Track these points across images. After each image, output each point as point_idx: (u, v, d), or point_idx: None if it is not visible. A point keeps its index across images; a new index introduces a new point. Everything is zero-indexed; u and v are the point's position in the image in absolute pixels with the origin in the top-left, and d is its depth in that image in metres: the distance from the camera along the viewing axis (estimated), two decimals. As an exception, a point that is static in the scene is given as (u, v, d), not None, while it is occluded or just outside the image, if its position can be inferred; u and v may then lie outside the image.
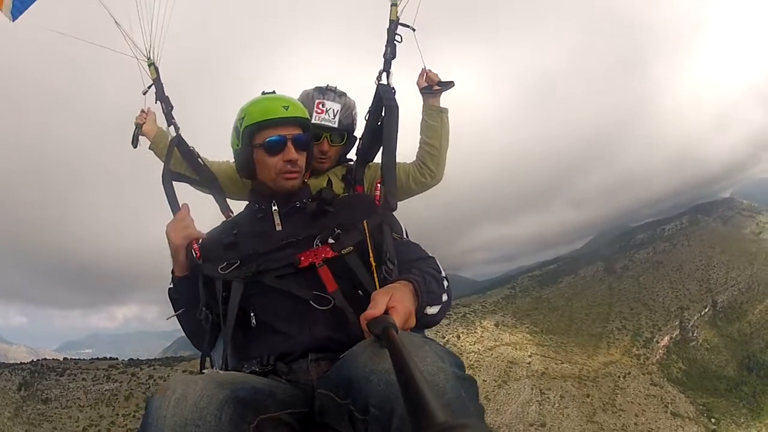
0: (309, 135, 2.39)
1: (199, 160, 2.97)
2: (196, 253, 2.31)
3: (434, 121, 3.07)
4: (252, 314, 2.14)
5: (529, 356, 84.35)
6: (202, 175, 2.96)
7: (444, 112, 3.09)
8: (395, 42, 2.84)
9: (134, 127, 3.29)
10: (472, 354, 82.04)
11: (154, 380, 75.98)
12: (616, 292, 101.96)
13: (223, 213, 2.95)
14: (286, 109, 2.28)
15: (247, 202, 2.61)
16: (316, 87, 3.09)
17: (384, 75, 2.83)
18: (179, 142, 2.95)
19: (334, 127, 3.04)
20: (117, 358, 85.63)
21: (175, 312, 2.37)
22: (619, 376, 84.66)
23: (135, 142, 3.27)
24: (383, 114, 2.63)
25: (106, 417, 71.70)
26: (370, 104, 2.89)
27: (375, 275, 2.06)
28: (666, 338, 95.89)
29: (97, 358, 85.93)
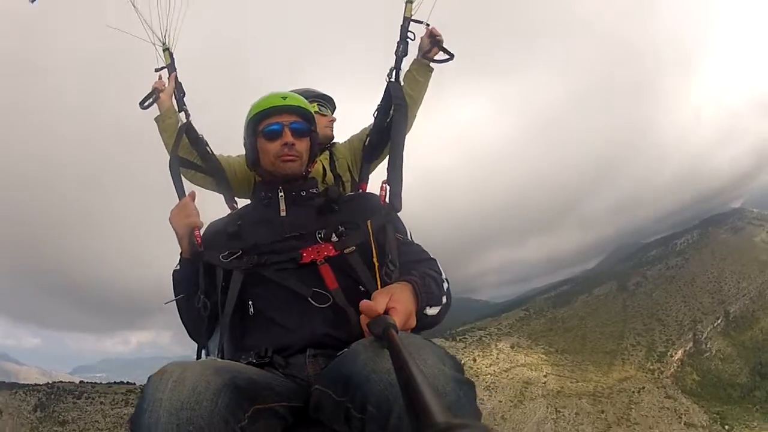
0: (310, 125, 2.47)
1: (207, 148, 2.98)
2: (197, 240, 2.32)
3: (422, 77, 3.07)
4: (250, 303, 2.16)
5: (545, 376, 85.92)
6: (209, 163, 2.99)
7: (432, 70, 3.08)
8: (408, 39, 2.84)
9: (150, 90, 3.19)
10: (488, 376, 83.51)
11: None
12: (629, 309, 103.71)
13: (228, 204, 3.04)
14: (284, 99, 2.41)
15: (248, 201, 2.77)
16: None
17: (395, 72, 2.86)
18: (189, 128, 2.93)
19: None
20: (134, 383, 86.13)
21: (177, 296, 2.35)
22: (633, 391, 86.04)
23: (146, 104, 3.15)
24: (392, 112, 2.65)
25: None
26: (380, 101, 2.89)
27: (377, 275, 2.06)
28: (680, 351, 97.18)
29: (114, 383, 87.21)
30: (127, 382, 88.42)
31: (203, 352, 2.35)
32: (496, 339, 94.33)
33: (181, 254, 2.38)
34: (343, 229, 2.22)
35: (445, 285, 2.10)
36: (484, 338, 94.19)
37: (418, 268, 2.07)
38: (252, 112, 2.46)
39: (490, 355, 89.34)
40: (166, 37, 3.29)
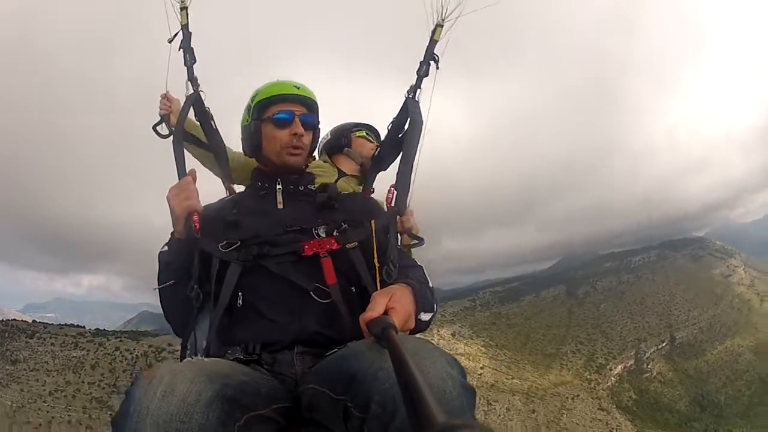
0: (316, 118, 2.46)
1: (213, 122, 2.86)
2: (195, 225, 2.15)
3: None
4: (240, 295, 2.05)
5: (481, 368, 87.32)
6: (212, 139, 2.88)
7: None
8: (431, 62, 2.86)
9: (159, 118, 3.09)
10: None
11: (120, 352, 78.66)
12: (575, 316, 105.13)
13: (224, 184, 2.96)
14: (297, 89, 2.37)
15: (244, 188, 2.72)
16: None
17: (414, 90, 2.86)
18: (196, 99, 2.79)
19: None
20: (84, 326, 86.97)
21: (165, 282, 2.17)
22: (567, 397, 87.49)
23: (159, 132, 3.05)
24: (407, 127, 2.66)
25: (72, 383, 73.69)
26: (395, 115, 2.91)
27: (378, 275, 2.02)
28: (620, 367, 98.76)
29: (66, 324, 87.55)
30: (78, 325, 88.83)
31: (188, 346, 2.21)
32: (439, 325, 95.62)
33: (172, 235, 2.21)
34: (345, 225, 2.15)
35: (434, 292, 2.08)
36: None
37: (410, 273, 2.06)
38: (261, 95, 2.36)
39: (431, 339, 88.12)
40: None
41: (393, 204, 2.30)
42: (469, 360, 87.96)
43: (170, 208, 2.20)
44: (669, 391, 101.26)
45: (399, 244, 2.74)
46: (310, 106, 2.39)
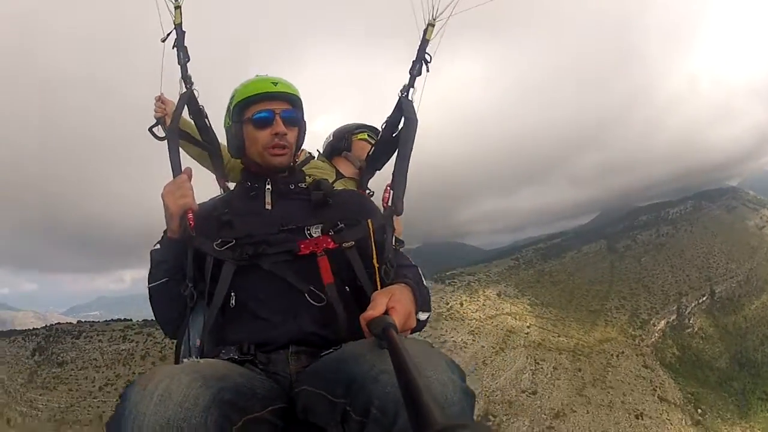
0: (299, 113, 2.38)
1: (207, 121, 2.82)
2: (190, 223, 2.18)
3: None
4: (232, 295, 2.06)
5: (528, 327, 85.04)
6: (206, 138, 2.85)
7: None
8: (423, 61, 2.83)
9: (155, 120, 3.16)
10: (474, 321, 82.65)
11: (171, 340, 75.29)
12: (617, 271, 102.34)
13: (218, 182, 3.00)
14: (275, 85, 2.29)
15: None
16: None
17: (408, 89, 2.80)
18: (190, 98, 2.75)
19: None
20: (131, 319, 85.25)
21: (156, 280, 2.20)
22: (612, 354, 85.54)
23: (158, 133, 3.07)
24: (402, 126, 2.64)
25: (123, 376, 71.72)
26: (389, 115, 2.89)
27: (377, 274, 2.05)
28: (663, 322, 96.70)
29: (111, 320, 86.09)
30: (124, 319, 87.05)
31: (182, 346, 2.26)
32: (484, 285, 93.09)
33: (165, 233, 2.25)
34: (342, 224, 2.18)
35: (429, 292, 2.14)
36: (472, 284, 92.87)
37: (408, 272, 2.11)
38: (239, 96, 2.34)
39: (477, 300, 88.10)
40: None
41: (389, 203, 2.27)
42: (516, 319, 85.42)
43: (165, 206, 2.19)
44: (710, 347, 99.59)
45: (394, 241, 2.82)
46: (291, 101, 2.34)
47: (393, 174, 2.35)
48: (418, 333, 1.93)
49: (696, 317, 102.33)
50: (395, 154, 2.50)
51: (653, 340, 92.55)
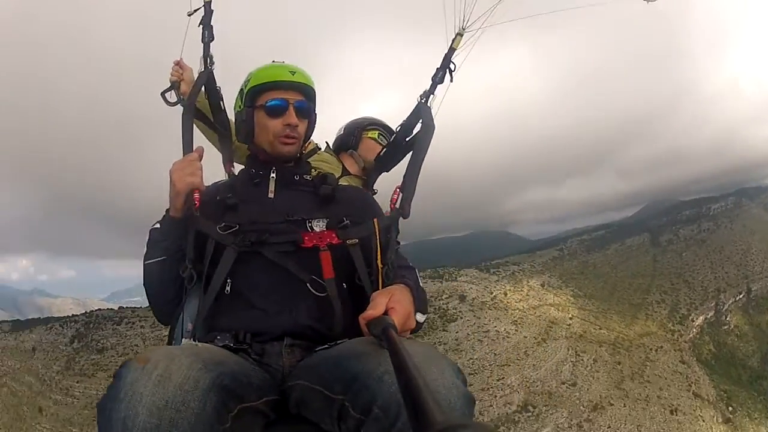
0: (312, 105, 2.34)
1: (222, 102, 2.80)
2: (195, 203, 2.13)
3: None
4: (228, 281, 2.02)
5: (570, 318, 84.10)
6: (218, 120, 2.85)
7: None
8: (447, 69, 2.84)
9: (168, 85, 3.07)
10: (517, 311, 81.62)
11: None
12: (659, 265, 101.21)
13: (225, 165, 2.94)
14: (293, 74, 2.26)
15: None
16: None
17: (427, 95, 2.83)
18: (209, 77, 2.75)
19: None
20: None
21: (153, 258, 2.14)
22: (651, 349, 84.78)
23: (167, 99, 3.00)
24: (417, 132, 2.71)
25: None
26: (405, 118, 2.93)
27: (380, 275, 2.04)
28: (701, 318, 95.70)
29: None
30: None
31: (174, 330, 2.22)
32: (529, 275, 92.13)
33: (167, 212, 2.21)
34: (347, 221, 2.17)
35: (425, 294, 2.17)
36: (517, 273, 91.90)
37: (406, 273, 2.10)
38: (254, 81, 2.30)
39: (521, 290, 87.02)
40: None
41: (397, 206, 2.29)
42: (559, 310, 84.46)
43: (171, 183, 2.14)
44: (744, 345, 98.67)
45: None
46: (305, 92, 2.31)
47: (404, 177, 2.35)
48: (414, 335, 1.90)
49: (732, 314, 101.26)
50: (406, 157, 2.58)
51: (691, 335, 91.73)
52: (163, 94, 3.02)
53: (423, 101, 2.81)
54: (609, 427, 71.40)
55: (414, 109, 2.83)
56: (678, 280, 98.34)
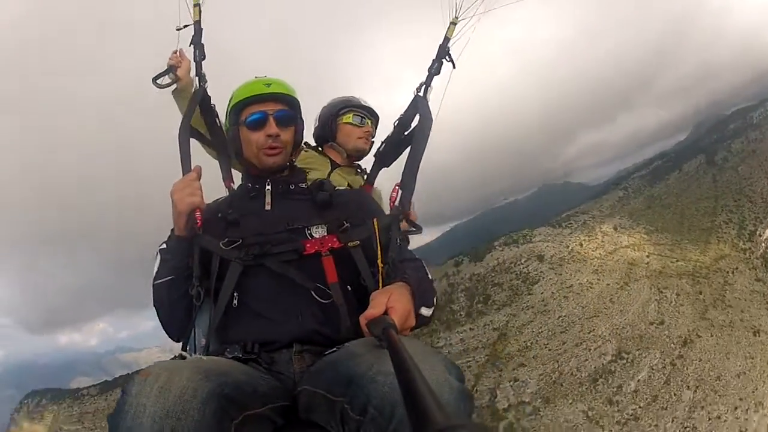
0: (294, 112, 2.36)
1: (217, 120, 2.84)
2: (197, 222, 2.17)
3: None
4: (235, 295, 2.06)
5: (647, 256, 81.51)
6: (215, 136, 2.86)
7: None
8: (443, 60, 2.81)
9: (166, 68, 3.06)
10: (595, 260, 79.00)
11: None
12: (719, 184, 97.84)
13: (224, 181, 2.93)
14: (268, 86, 2.30)
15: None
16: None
17: (424, 88, 2.82)
18: (204, 96, 2.79)
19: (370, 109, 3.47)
20: None
21: (162, 278, 2.16)
22: (727, 272, 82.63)
23: (160, 82, 3.02)
24: (417, 124, 2.68)
25: None
26: (402, 112, 2.92)
27: (381, 274, 2.07)
28: (767, 231, 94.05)
29: None
30: None
31: (187, 346, 2.26)
32: (599, 222, 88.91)
33: (172, 231, 2.25)
34: (347, 224, 2.20)
35: (435, 284, 2.18)
36: (588, 222, 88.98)
37: (409, 267, 2.11)
38: (234, 99, 2.38)
39: (595, 238, 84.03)
40: None
41: (397, 203, 2.35)
42: (635, 250, 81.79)
43: (173, 204, 2.18)
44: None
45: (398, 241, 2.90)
46: (285, 101, 2.35)
47: (403, 174, 2.39)
48: (415, 331, 1.92)
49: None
50: (406, 152, 2.56)
51: (762, 250, 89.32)
52: (155, 78, 2.99)
53: (420, 94, 2.77)
54: (700, 360, 70.07)
55: (411, 103, 2.80)
56: (740, 196, 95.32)
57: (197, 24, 2.96)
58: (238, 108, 2.32)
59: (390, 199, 2.41)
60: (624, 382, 67.60)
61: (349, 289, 2.11)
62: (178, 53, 3.12)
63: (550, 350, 72.48)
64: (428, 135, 2.49)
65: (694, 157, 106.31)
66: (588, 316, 73.76)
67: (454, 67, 2.78)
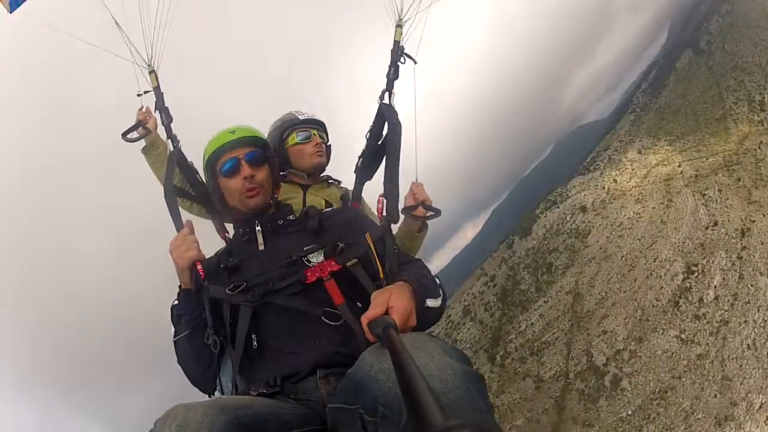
0: (264, 152, 2.49)
1: (198, 176, 2.90)
2: (201, 275, 2.26)
3: (411, 242, 3.12)
4: (253, 337, 2.12)
5: (678, 166, 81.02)
6: (199, 191, 2.92)
7: (424, 229, 3.13)
8: (399, 63, 2.80)
9: (135, 122, 3.17)
10: (633, 189, 78.76)
11: None
12: (714, 69, 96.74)
13: (219, 233, 2.94)
14: (233, 133, 2.42)
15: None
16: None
17: (386, 95, 2.80)
18: (180, 156, 2.87)
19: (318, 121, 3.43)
20: None
21: (180, 334, 2.24)
22: (755, 149, 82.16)
23: (130, 137, 3.09)
24: (386, 133, 2.66)
25: None
26: (371, 124, 2.89)
27: (384, 284, 2.06)
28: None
29: None
30: None
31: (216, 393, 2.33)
32: (622, 152, 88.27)
33: (180, 287, 2.35)
34: (342, 244, 2.25)
35: (437, 280, 2.20)
36: (612, 156, 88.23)
37: (408, 268, 2.19)
38: (206, 155, 2.49)
39: (626, 169, 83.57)
40: (152, 58, 3.13)
41: (385, 213, 2.35)
42: (666, 165, 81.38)
43: (174, 261, 2.29)
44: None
45: (416, 218, 3.01)
46: (252, 143, 2.47)
47: (384, 183, 2.41)
48: (422, 328, 1.95)
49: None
50: (383, 161, 2.57)
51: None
52: (125, 134, 3.08)
53: (383, 101, 2.77)
54: (762, 243, 69.98)
55: (377, 112, 2.79)
56: (737, 72, 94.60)
57: (157, 90, 3.04)
58: (211, 162, 2.44)
59: (377, 211, 2.43)
60: (702, 293, 67.84)
61: (359, 305, 2.14)
62: (144, 109, 3.22)
63: (625, 292, 72.42)
64: (400, 141, 2.47)
65: (682, 53, 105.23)
66: (647, 246, 73.77)
67: (415, 62, 2.76)
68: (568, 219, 78.18)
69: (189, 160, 2.91)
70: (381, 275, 2.12)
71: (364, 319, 1.67)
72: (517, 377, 72.67)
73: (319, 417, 1.79)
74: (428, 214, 2.90)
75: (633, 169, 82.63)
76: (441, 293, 2.09)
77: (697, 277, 70.36)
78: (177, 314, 2.26)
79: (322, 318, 2.06)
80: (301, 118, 3.37)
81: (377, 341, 1.56)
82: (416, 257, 2.37)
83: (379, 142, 2.86)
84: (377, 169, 3.00)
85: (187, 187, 2.96)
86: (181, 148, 2.91)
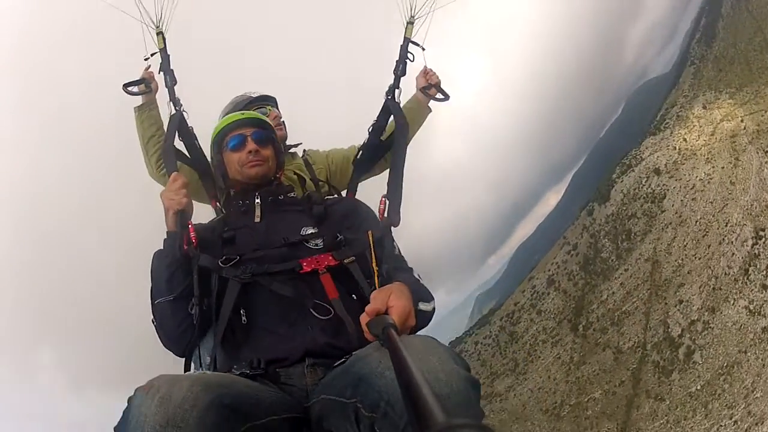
0: (270, 133, 2.52)
1: (196, 142, 2.91)
2: (193, 242, 2.20)
3: (420, 116, 3.23)
4: (242, 312, 2.08)
5: (741, 121, 75.99)
6: (195, 157, 2.92)
7: (430, 111, 3.25)
8: (407, 60, 2.84)
9: (140, 77, 3.08)
10: (702, 148, 74.07)
11: None
12: (755, 12, 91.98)
13: (211, 204, 2.91)
14: (243, 114, 2.55)
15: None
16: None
17: (394, 92, 2.84)
18: (180, 119, 2.85)
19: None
20: None
21: (162, 296, 2.15)
22: None
23: (131, 89, 3.04)
24: (394, 131, 2.68)
25: None
26: (375, 119, 2.89)
27: (376, 282, 2.09)
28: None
29: None
30: None
31: (192, 364, 2.26)
32: (688, 108, 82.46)
33: (167, 233, 2.29)
34: (341, 237, 2.25)
35: (426, 288, 2.22)
36: (680, 113, 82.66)
37: (401, 274, 2.16)
38: (215, 132, 2.56)
39: (693, 127, 78.35)
40: (160, 20, 3.09)
41: (386, 215, 2.36)
42: (730, 120, 76.44)
43: (163, 204, 2.28)
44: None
45: (428, 97, 3.08)
46: (260, 124, 2.53)
47: (388, 185, 2.43)
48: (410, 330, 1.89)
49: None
50: (382, 159, 2.72)
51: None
52: (127, 85, 3.02)
53: (390, 98, 2.79)
54: None
55: (383, 108, 2.82)
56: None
57: (163, 51, 2.99)
58: (219, 138, 2.49)
59: (379, 212, 2.37)
60: (770, 260, 63.71)
61: (354, 298, 2.15)
62: (150, 69, 3.11)
63: (700, 259, 67.72)
64: (406, 141, 2.53)
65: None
66: (719, 209, 69.01)
67: (423, 49, 2.80)
68: (644, 183, 73.52)
69: (190, 126, 2.89)
70: (375, 275, 2.09)
71: (363, 317, 1.63)
72: (597, 348, 67.86)
73: (299, 405, 1.78)
74: (438, 97, 2.96)
75: (700, 126, 77.48)
76: (432, 298, 2.08)
77: (765, 242, 65.83)
78: (158, 265, 2.16)
79: (311, 310, 2.02)
80: (249, 101, 3.34)
81: (375, 340, 1.55)
82: (410, 267, 2.27)
83: (382, 139, 2.86)
84: (376, 163, 3.02)
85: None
86: (183, 113, 2.86)
